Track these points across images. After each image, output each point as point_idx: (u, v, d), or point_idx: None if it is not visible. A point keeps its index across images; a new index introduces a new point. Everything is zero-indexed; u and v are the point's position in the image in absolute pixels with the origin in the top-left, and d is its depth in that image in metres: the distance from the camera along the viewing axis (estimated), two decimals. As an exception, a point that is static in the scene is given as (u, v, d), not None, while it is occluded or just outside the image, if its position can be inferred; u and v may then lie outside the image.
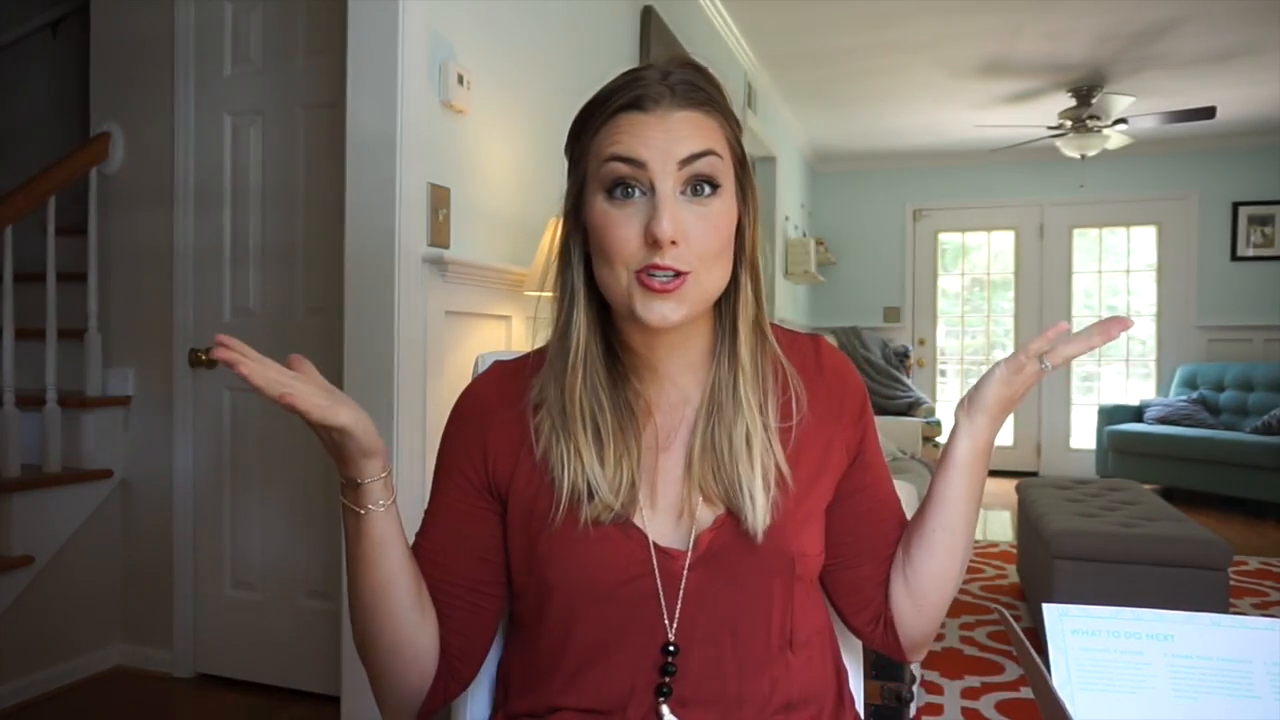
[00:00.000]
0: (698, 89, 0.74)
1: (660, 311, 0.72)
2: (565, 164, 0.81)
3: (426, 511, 0.85)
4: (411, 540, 0.82)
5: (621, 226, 0.72)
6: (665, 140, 0.71)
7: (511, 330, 2.35)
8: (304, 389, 0.67)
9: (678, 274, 0.71)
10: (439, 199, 2.04)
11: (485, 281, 2.20)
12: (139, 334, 2.56)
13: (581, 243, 0.78)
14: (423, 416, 2.01)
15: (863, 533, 0.85)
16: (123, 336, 2.58)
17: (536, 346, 0.86)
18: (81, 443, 2.48)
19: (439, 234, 2.04)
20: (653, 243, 0.70)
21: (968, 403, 0.81)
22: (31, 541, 2.28)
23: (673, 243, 0.70)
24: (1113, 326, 0.72)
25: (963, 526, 0.82)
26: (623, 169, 0.72)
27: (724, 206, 0.74)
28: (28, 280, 2.61)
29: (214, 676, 2.46)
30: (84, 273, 2.57)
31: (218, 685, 2.42)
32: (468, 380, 0.91)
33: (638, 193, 0.72)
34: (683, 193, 0.73)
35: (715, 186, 0.73)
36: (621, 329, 0.80)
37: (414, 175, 1.96)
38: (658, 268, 0.71)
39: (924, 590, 0.83)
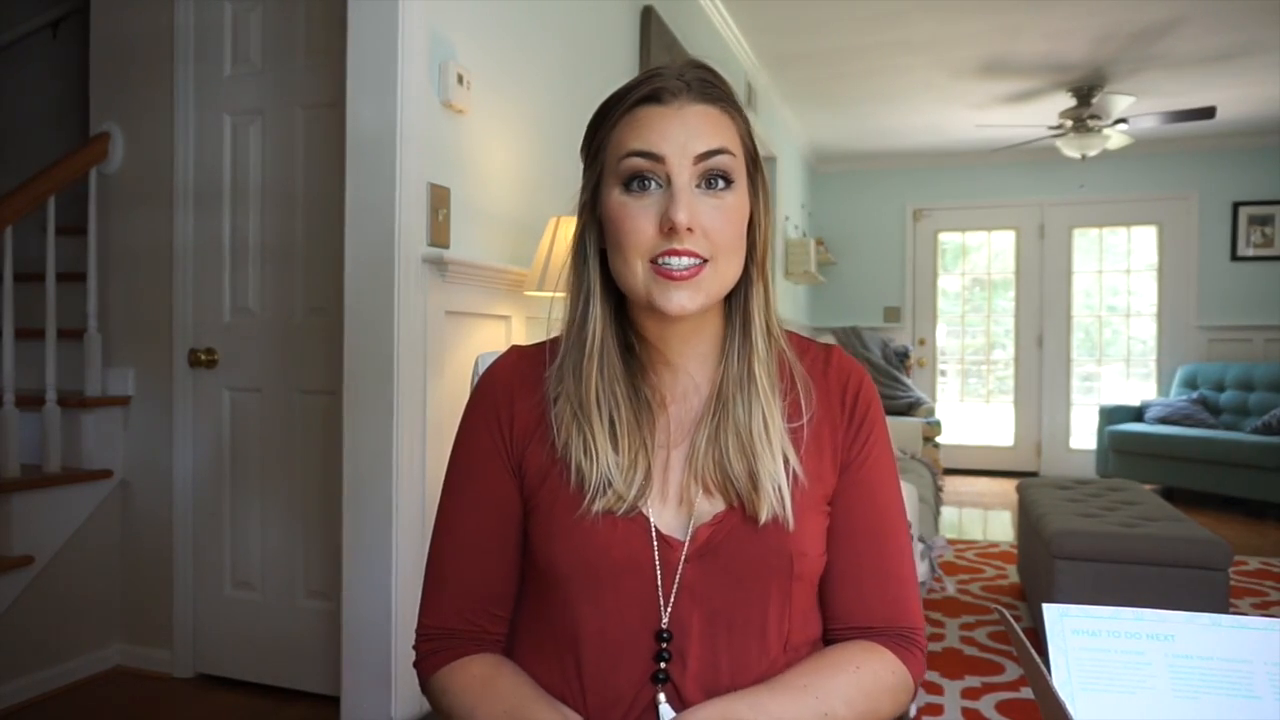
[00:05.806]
0: (713, 85, 0.77)
1: (678, 300, 0.74)
2: (564, 163, 0.81)
3: (450, 500, 0.85)
4: (430, 528, 0.86)
5: (638, 218, 0.74)
6: (683, 135, 0.74)
7: (511, 330, 2.35)
8: None
9: (700, 260, 0.74)
10: (439, 199, 2.04)
11: (485, 281, 2.20)
12: (139, 334, 2.56)
13: (597, 236, 0.80)
14: (423, 417, 2.01)
15: (843, 550, 0.82)
16: (123, 336, 2.58)
17: (551, 336, 0.87)
18: (81, 443, 2.48)
19: (439, 234, 2.04)
20: (668, 230, 0.73)
21: None
22: (31, 541, 2.28)
23: (689, 230, 0.73)
24: None
25: None
26: (641, 163, 0.74)
27: (737, 201, 0.77)
28: (28, 280, 2.61)
29: (214, 676, 2.46)
30: (84, 273, 2.57)
31: (218, 685, 2.42)
32: (468, 380, 0.92)
33: (654, 185, 0.75)
34: (698, 185, 0.75)
35: (729, 181, 0.76)
36: (637, 321, 0.82)
37: (414, 175, 1.96)
38: (673, 253, 0.73)
39: None
